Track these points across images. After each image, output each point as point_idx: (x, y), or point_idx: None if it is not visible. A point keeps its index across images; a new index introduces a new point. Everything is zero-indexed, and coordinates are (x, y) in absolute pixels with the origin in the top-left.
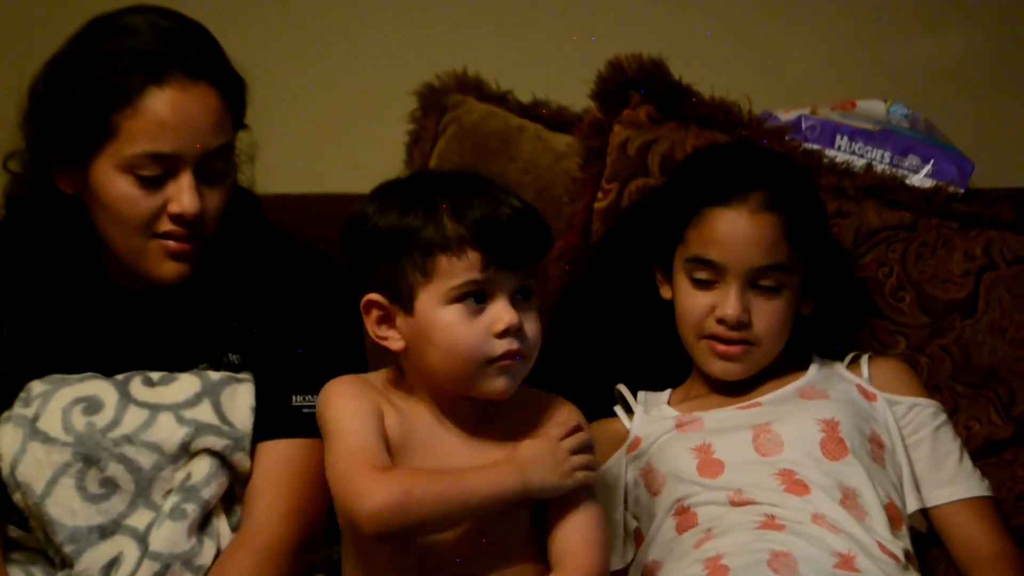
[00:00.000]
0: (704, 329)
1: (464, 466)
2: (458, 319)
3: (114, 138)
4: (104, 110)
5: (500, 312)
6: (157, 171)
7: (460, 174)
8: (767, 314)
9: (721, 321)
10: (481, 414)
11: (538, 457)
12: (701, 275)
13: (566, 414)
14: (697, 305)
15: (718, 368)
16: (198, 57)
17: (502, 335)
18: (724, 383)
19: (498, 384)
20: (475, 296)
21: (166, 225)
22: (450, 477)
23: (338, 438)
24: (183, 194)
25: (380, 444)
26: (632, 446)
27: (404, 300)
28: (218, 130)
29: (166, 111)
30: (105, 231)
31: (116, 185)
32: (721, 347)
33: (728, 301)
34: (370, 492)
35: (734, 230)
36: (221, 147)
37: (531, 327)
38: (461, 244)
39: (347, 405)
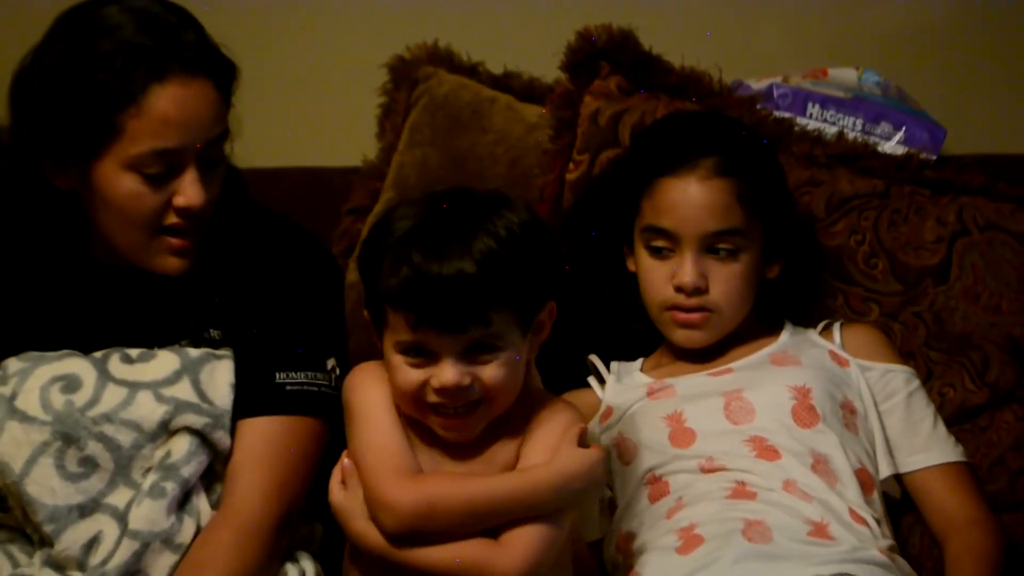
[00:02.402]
0: (665, 300)
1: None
2: (403, 366)
3: (119, 138)
4: (107, 111)
5: (438, 371)
6: (162, 168)
7: (455, 206)
8: (724, 279)
9: (679, 289)
10: None
11: (579, 466)
12: (657, 244)
13: (564, 417)
14: (656, 275)
15: (681, 336)
16: (195, 50)
17: (439, 392)
18: (694, 350)
19: (445, 432)
20: (414, 351)
21: (171, 219)
22: (476, 483)
23: (364, 435)
24: (189, 188)
25: (403, 442)
26: (604, 416)
27: (377, 330)
28: (217, 120)
29: (170, 108)
30: (106, 227)
31: (121, 183)
32: (681, 315)
33: (684, 268)
34: (392, 503)
35: (685, 197)
36: (220, 135)
37: (490, 375)
38: (397, 302)
39: (375, 396)
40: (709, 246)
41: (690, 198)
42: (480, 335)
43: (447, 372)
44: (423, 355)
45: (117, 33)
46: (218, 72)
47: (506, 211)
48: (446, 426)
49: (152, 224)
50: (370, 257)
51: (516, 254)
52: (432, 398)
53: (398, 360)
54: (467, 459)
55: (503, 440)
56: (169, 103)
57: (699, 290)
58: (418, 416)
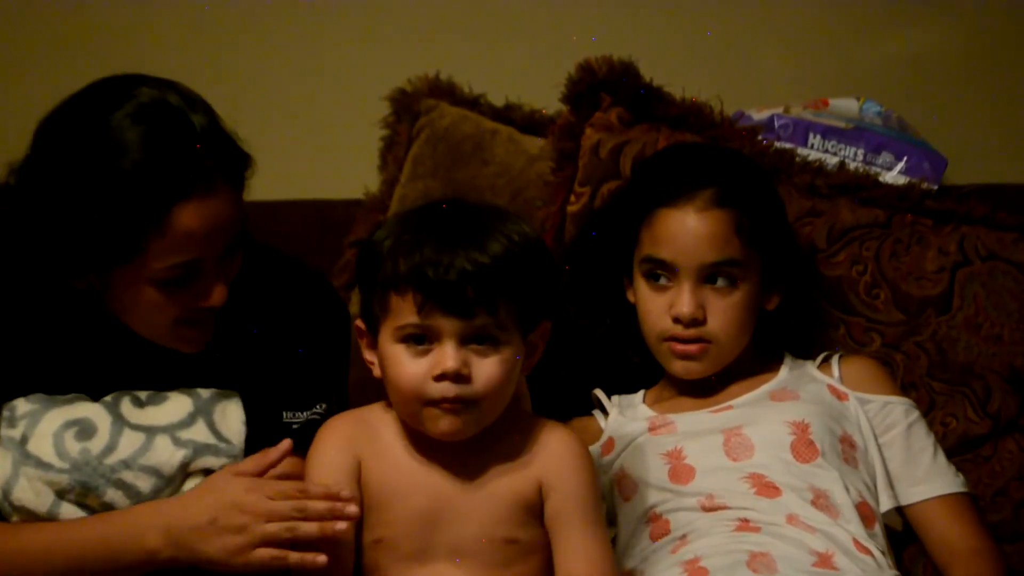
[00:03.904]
0: (664, 330)
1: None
2: (402, 358)
3: (141, 255)
4: (130, 232)
5: (439, 356)
6: (182, 274)
7: (465, 209)
8: (722, 310)
9: (677, 320)
10: (468, 447)
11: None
12: (656, 275)
13: (560, 442)
14: (654, 306)
15: (679, 368)
16: (214, 160)
17: (439, 379)
18: (695, 384)
19: (441, 425)
20: (415, 338)
21: (192, 314)
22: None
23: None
24: (213, 292)
25: None
26: (606, 448)
27: (374, 331)
28: (237, 221)
29: (193, 223)
30: (123, 318)
31: (141, 295)
32: (679, 347)
33: (681, 299)
34: None
35: (683, 228)
36: (239, 231)
37: (486, 371)
38: (404, 285)
39: (323, 465)
40: (707, 277)
41: (688, 229)
42: (484, 324)
43: (448, 357)
44: (424, 343)
45: (135, 150)
46: (236, 175)
47: (519, 221)
48: (443, 414)
49: (170, 323)
50: (374, 250)
51: (526, 258)
52: (431, 391)
53: (397, 351)
54: (469, 480)
55: (501, 463)
56: (192, 219)
57: (696, 321)
58: (413, 419)
